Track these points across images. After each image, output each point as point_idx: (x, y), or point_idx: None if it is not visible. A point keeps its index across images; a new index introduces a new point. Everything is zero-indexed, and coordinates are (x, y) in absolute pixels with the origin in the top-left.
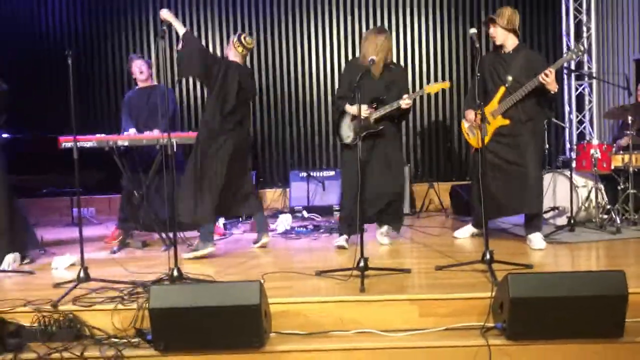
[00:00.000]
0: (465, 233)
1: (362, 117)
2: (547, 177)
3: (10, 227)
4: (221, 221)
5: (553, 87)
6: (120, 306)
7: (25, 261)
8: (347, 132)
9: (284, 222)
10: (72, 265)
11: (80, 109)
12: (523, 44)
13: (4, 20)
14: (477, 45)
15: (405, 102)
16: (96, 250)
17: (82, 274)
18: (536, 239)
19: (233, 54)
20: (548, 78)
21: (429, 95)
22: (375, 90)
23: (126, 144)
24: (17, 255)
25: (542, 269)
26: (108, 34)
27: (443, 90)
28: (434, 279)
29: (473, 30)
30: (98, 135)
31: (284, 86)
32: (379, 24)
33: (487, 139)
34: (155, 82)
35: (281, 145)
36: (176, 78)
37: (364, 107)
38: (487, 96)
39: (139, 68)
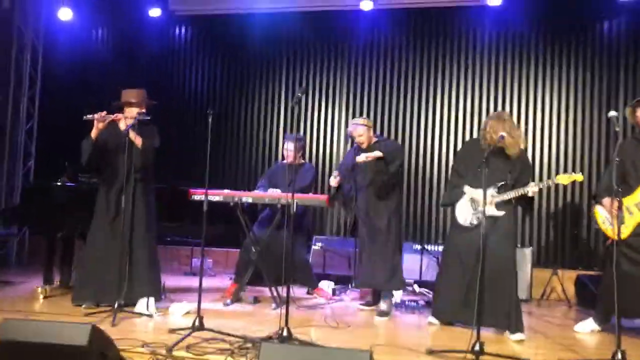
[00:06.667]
0: (586, 328)
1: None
2: None
3: (151, 269)
4: (330, 285)
5: None
6: (229, 359)
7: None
8: (464, 214)
9: (395, 294)
10: (188, 312)
11: (211, 164)
12: None
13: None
14: (617, 129)
15: (532, 189)
16: (210, 301)
17: (197, 323)
18: None
19: None
20: None
21: None
22: (499, 172)
23: (250, 200)
24: (152, 299)
25: None
26: (243, 97)
27: None
28: None
29: (613, 113)
30: (225, 191)
31: (404, 157)
32: (507, 105)
33: (627, 231)
34: (302, 161)
35: None
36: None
37: (491, 191)
38: (626, 185)
39: (285, 150)
